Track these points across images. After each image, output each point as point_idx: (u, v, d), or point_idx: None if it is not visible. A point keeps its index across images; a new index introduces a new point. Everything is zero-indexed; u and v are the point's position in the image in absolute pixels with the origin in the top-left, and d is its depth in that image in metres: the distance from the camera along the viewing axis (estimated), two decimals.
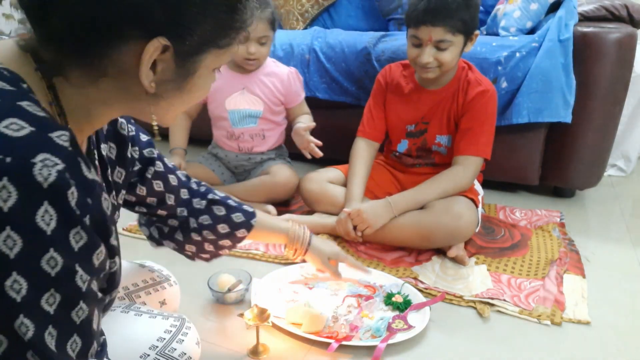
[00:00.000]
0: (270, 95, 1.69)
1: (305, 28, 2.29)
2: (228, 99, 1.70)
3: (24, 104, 0.45)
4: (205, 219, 0.91)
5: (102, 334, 0.57)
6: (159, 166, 0.82)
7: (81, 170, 0.45)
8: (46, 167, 0.41)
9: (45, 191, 0.41)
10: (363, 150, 1.56)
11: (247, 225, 0.96)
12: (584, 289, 1.27)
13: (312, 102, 1.79)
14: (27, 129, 0.42)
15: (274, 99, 1.70)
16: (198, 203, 0.91)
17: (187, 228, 0.91)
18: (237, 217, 0.95)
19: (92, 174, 0.47)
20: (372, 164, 1.58)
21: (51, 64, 0.49)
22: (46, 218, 0.42)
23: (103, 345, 0.56)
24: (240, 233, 0.96)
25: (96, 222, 0.47)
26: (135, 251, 1.45)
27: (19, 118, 0.43)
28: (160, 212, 0.87)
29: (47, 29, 0.48)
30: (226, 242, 0.96)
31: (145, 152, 0.79)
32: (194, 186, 0.93)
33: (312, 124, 1.60)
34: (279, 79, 1.69)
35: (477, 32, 1.39)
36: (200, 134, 2.06)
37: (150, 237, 0.95)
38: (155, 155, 0.81)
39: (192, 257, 0.97)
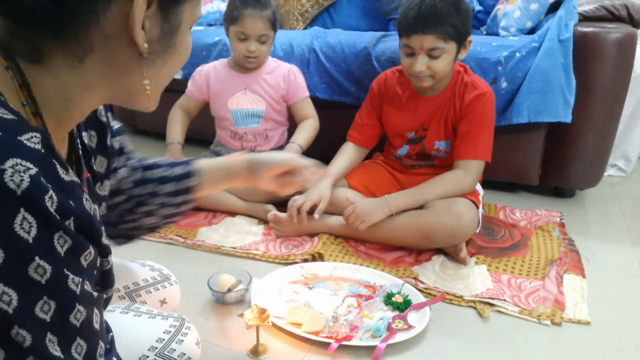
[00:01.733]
0: (272, 93, 1.70)
1: (305, 28, 2.29)
2: (231, 99, 1.71)
3: None
4: (148, 187, 0.83)
5: (109, 330, 0.56)
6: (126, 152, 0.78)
7: (57, 172, 0.44)
8: (17, 173, 0.39)
9: (19, 198, 0.39)
10: (347, 152, 1.60)
11: (189, 174, 0.87)
12: (584, 289, 1.27)
13: (312, 102, 1.79)
14: None
15: (276, 97, 1.71)
16: (139, 174, 0.84)
17: (138, 203, 0.83)
18: (177, 169, 0.86)
19: (69, 175, 0.45)
20: (359, 164, 1.62)
21: (28, 54, 0.47)
22: (25, 226, 0.40)
23: (112, 343, 0.55)
24: (187, 183, 0.86)
25: (81, 224, 0.45)
26: (136, 251, 1.45)
27: None
28: (117, 199, 0.81)
29: (23, 10, 0.45)
30: (181, 198, 0.86)
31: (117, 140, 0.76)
32: (134, 161, 0.86)
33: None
34: (281, 75, 1.71)
35: (470, 38, 1.39)
36: (201, 134, 2.06)
37: (109, 235, 0.85)
38: (125, 145, 0.78)
39: (154, 229, 0.89)
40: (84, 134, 0.63)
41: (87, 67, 0.49)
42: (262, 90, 1.69)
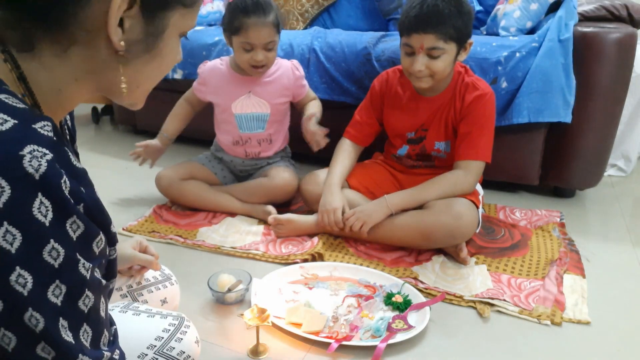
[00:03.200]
0: (276, 94, 1.67)
1: (305, 28, 2.29)
2: (234, 103, 1.66)
3: (2, 96, 0.45)
4: None
5: (113, 323, 0.57)
6: None
7: (70, 159, 0.45)
8: (35, 159, 0.41)
9: (37, 182, 0.41)
10: (346, 151, 1.59)
11: None
12: (584, 289, 1.27)
13: None
14: (10, 122, 0.42)
15: (281, 98, 1.68)
16: None
17: None
18: None
19: (79, 163, 0.47)
20: (358, 164, 1.61)
21: (20, 43, 0.48)
22: (42, 209, 0.41)
23: (115, 336, 0.56)
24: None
25: (92, 210, 0.47)
26: None
27: (0, 112, 0.43)
28: None
29: None
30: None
31: None
32: None
33: (313, 112, 1.62)
34: (285, 75, 1.67)
35: (470, 40, 1.39)
36: (201, 134, 2.06)
37: None
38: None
39: None
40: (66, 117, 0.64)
41: (72, 59, 0.51)
42: (266, 93, 1.65)
